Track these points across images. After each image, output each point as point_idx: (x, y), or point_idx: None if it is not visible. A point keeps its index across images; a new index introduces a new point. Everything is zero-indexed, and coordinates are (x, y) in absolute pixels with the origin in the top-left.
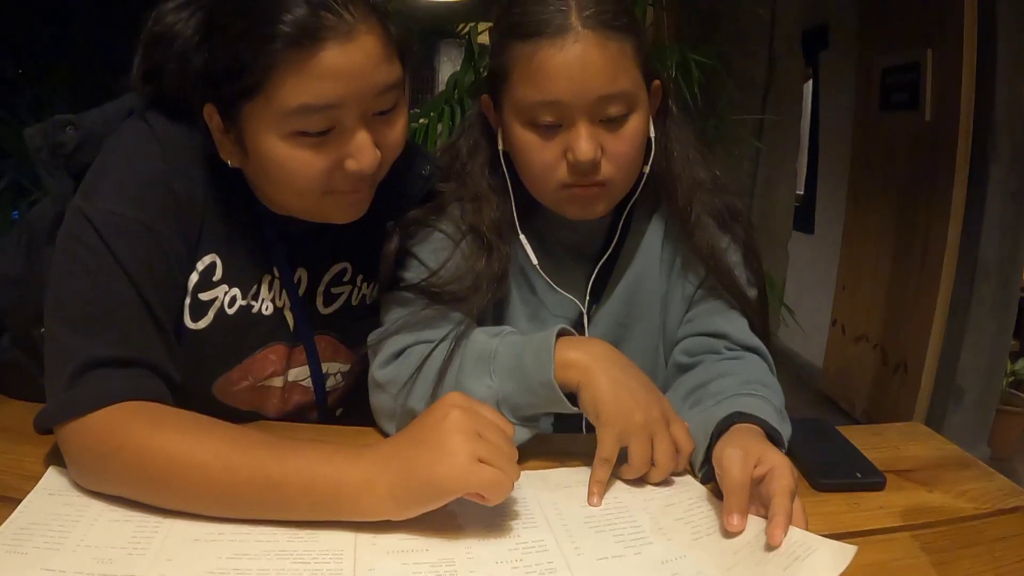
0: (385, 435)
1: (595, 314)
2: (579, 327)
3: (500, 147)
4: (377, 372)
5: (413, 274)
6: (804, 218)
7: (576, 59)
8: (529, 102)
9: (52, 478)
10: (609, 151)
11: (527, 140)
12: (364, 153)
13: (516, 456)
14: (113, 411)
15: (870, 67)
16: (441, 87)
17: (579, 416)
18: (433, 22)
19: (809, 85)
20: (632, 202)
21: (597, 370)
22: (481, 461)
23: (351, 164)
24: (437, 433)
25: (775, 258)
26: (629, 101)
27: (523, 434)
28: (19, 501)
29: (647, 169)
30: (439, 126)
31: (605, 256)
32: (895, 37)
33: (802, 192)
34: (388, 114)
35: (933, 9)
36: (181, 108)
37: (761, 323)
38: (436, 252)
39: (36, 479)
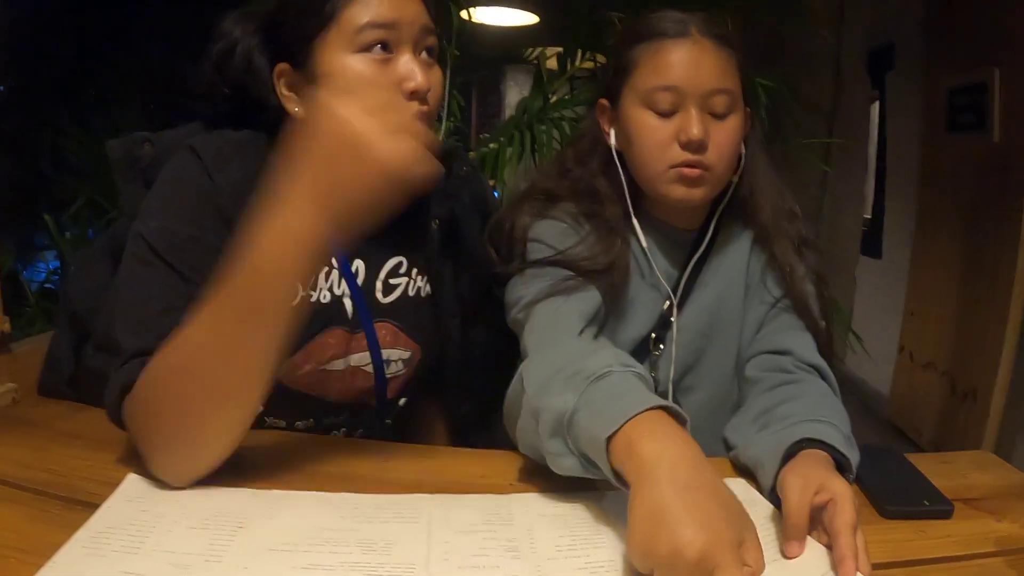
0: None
1: (680, 321)
2: (664, 327)
3: (613, 145)
4: (529, 340)
5: (538, 256)
6: (872, 242)
7: (693, 55)
8: (651, 86)
9: (131, 484)
10: (714, 139)
11: (646, 122)
12: (416, 72)
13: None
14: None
15: (936, 88)
16: (507, 111)
17: None
18: (500, 47)
19: (876, 106)
20: (720, 210)
21: (655, 474)
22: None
23: (409, 84)
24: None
25: (842, 284)
26: (732, 101)
27: (561, 463)
28: (98, 506)
29: (736, 178)
30: (508, 150)
31: (696, 256)
32: (961, 57)
33: (869, 216)
34: (431, 60)
35: (999, 28)
36: (240, 115)
37: (826, 348)
38: (562, 236)
39: (114, 485)
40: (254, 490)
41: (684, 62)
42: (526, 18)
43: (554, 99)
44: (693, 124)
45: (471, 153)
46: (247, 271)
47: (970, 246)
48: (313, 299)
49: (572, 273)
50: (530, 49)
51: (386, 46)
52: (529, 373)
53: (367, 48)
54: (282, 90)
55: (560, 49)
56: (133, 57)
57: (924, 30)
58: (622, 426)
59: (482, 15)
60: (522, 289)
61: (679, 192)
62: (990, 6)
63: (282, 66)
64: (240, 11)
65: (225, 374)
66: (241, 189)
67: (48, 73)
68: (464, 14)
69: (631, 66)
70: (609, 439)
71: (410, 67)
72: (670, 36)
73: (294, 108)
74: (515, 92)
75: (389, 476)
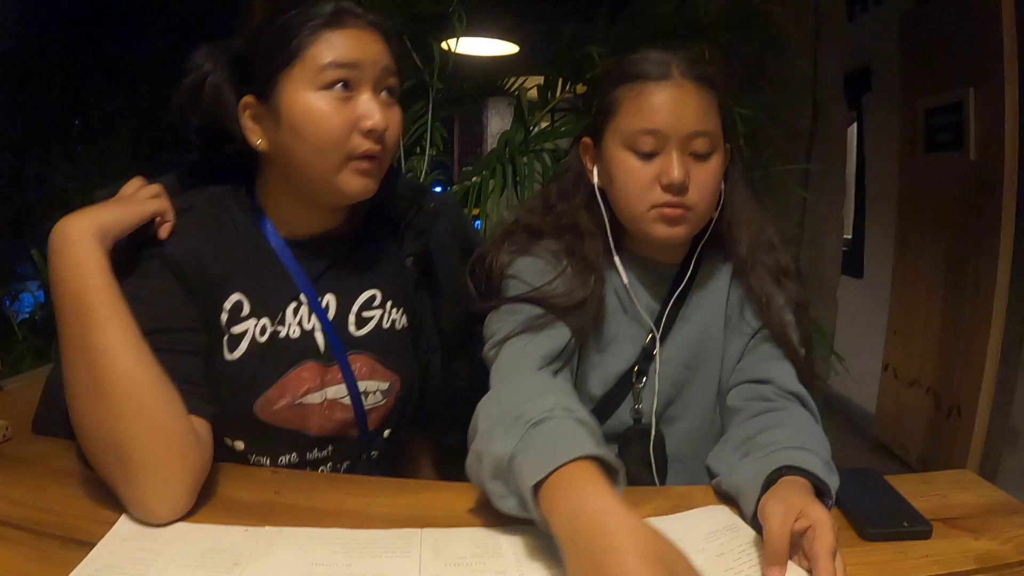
0: None
1: (662, 354)
2: (646, 360)
3: (596, 183)
4: (494, 378)
5: (519, 292)
6: (853, 262)
7: (675, 98)
8: (633, 129)
9: (126, 524)
10: (695, 179)
11: (628, 164)
12: (376, 112)
13: None
14: None
15: (913, 108)
16: (490, 140)
17: (647, 441)
18: (482, 78)
19: (854, 128)
20: (701, 246)
21: (574, 538)
22: None
23: (366, 123)
24: None
25: (824, 306)
26: (713, 142)
27: (501, 503)
28: (93, 545)
29: (717, 214)
30: (491, 182)
31: (677, 292)
32: (937, 77)
33: (850, 236)
34: (392, 100)
35: (974, 48)
36: (211, 161)
37: (806, 376)
38: (539, 273)
39: (111, 524)
40: (247, 527)
41: (666, 105)
42: (507, 48)
43: (535, 131)
44: (674, 167)
45: (454, 186)
46: (52, 293)
47: (951, 263)
48: (282, 335)
49: (544, 311)
50: (511, 79)
51: (347, 84)
52: (480, 413)
53: (328, 86)
54: (246, 122)
55: (541, 78)
56: (123, 93)
57: (900, 52)
58: (549, 475)
59: (463, 46)
60: (495, 325)
61: (661, 231)
62: (964, 27)
63: (248, 99)
64: (212, 45)
65: (82, 376)
66: (198, 254)
67: (38, 106)
68: (445, 45)
69: (614, 107)
70: (536, 487)
71: (369, 106)
72: (652, 78)
73: (256, 140)
74: (497, 121)
75: (380, 511)
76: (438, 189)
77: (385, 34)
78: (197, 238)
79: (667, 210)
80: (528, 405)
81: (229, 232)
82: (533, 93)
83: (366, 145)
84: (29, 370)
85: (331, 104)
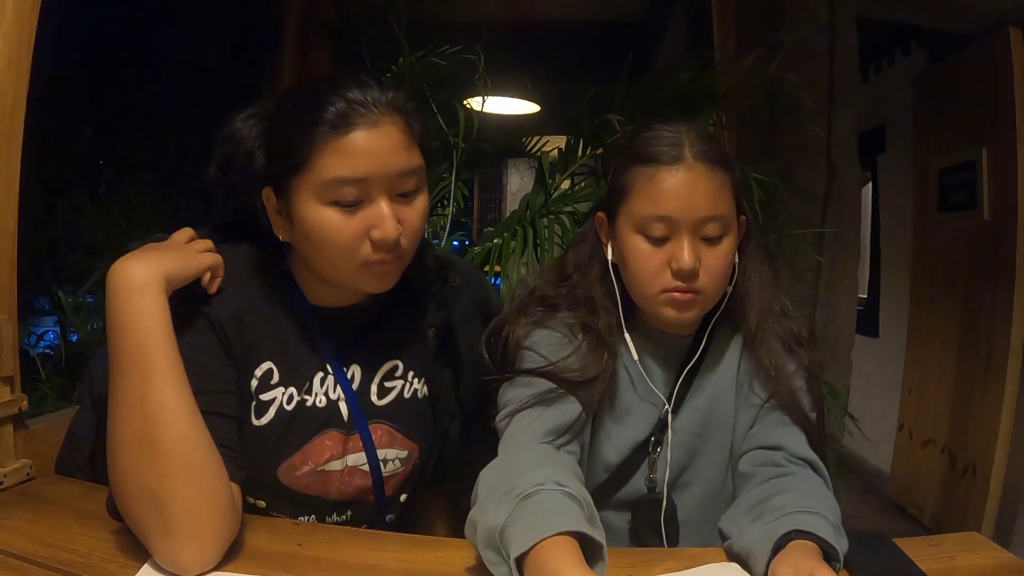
0: None
1: (675, 423)
2: (661, 430)
3: (609, 258)
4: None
5: (533, 365)
6: (868, 321)
7: (686, 183)
8: (644, 215)
9: (150, 572)
10: (705, 264)
11: (638, 247)
12: (387, 222)
13: None
14: None
15: (927, 168)
16: (508, 197)
17: (658, 508)
18: (503, 138)
19: (868, 187)
20: (714, 320)
21: None
22: None
23: (376, 232)
24: None
25: (838, 367)
26: (725, 224)
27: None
28: None
29: (730, 289)
30: (512, 243)
31: (689, 366)
32: (950, 137)
33: (865, 295)
34: (410, 196)
35: (986, 108)
36: (243, 220)
37: (818, 442)
38: (555, 347)
39: (135, 567)
40: None
41: (677, 191)
42: (527, 107)
43: (555, 194)
44: (684, 253)
45: (476, 248)
46: (108, 337)
47: (965, 322)
48: (309, 403)
49: (556, 385)
50: (531, 139)
51: (356, 199)
52: (480, 482)
53: (336, 202)
54: (269, 211)
55: (561, 138)
56: (149, 144)
57: (913, 112)
58: (532, 547)
59: (484, 105)
60: (509, 395)
61: (670, 315)
62: (977, 88)
63: (267, 190)
64: (248, 114)
65: (133, 429)
66: (239, 319)
67: (70, 153)
68: (467, 104)
69: (626, 190)
70: (521, 559)
71: (381, 215)
72: (664, 162)
73: (278, 231)
74: (516, 179)
75: (398, 567)
76: (455, 244)
77: (404, 116)
78: (238, 302)
79: (677, 295)
80: (522, 478)
81: (264, 299)
82: (554, 153)
83: (379, 255)
84: (52, 410)
85: (339, 217)
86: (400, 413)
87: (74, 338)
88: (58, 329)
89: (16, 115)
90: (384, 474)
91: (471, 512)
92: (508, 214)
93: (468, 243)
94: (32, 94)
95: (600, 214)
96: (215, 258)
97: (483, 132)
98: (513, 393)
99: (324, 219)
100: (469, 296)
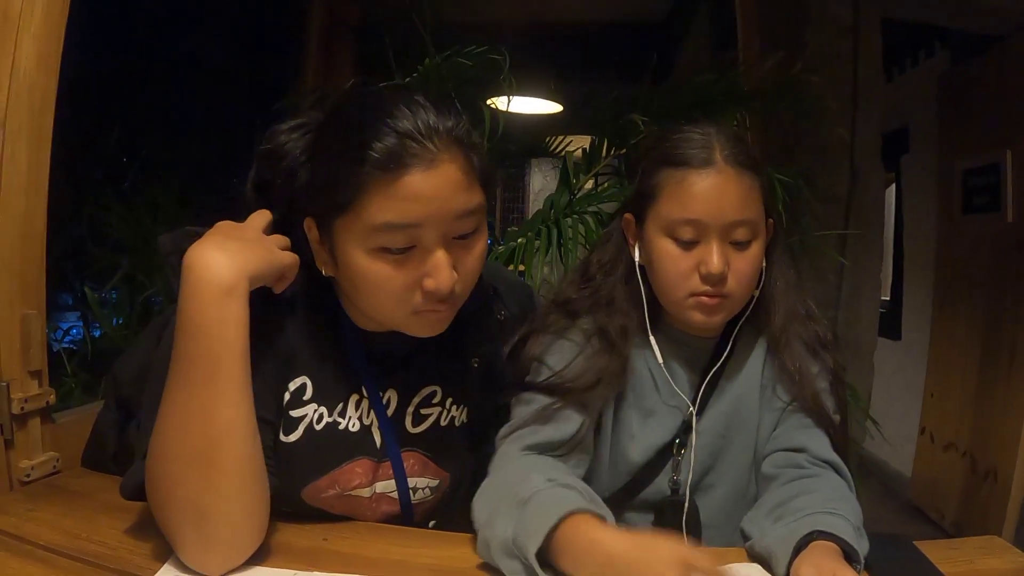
0: None
1: (699, 425)
2: (686, 432)
3: (636, 260)
4: (490, 468)
5: (540, 377)
6: (891, 324)
7: (716, 187)
8: (674, 218)
9: (174, 566)
10: (734, 268)
11: (667, 250)
12: (441, 272)
13: None
14: None
15: (951, 170)
16: (531, 196)
17: (679, 512)
18: (527, 137)
19: (892, 188)
20: (740, 323)
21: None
22: None
23: (429, 283)
24: None
25: (860, 370)
26: (754, 229)
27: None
28: None
29: (757, 292)
30: (536, 243)
31: (714, 369)
32: (974, 139)
33: (888, 298)
34: (467, 238)
35: (1011, 110)
36: (286, 228)
37: (841, 444)
38: (563, 355)
39: (162, 559)
40: (296, 571)
41: (707, 195)
42: (551, 107)
43: (579, 194)
44: (714, 258)
45: (500, 247)
46: (177, 336)
47: (988, 326)
48: (341, 427)
49: (557, 399)
50: (555, 139)
51: (407, 246)
52: (476, 506)
53: (385, 250)
54: (312, 244)
55: (585, 138)
56: (175, 138)
57: (938, 113)
58: (550, 536)
59: (509, 106)
60: (514, 412)
61: (698, 319)
62: (1001, 89)
63: (309, 222)
64: (294, 125)
65: (193, 444)
66: (283, 326)
67: (97, 152)
68: (492, 103)
69: (655, 192)
70: (540, 553)
71: (434, 263)
72: (694, 165)
73: (320, 265)
74: (539, 178)
75: (423, 562)
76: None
77: (464, 149)
78: (286, 309)
79: (705, 299)
80: (517, 488)
81: (306, 311)
82: (578, 154)
83: (430, 304)
84: (78, 405)
85: (389, 266)
86: (434, 441)
87: (97, 333)
88: (82, 324)
89: (46, 116)
90: (413, 501)
91: (480, 533)
92: (531, 213)
93: (491, 242)
94: (60, 92)
95: (628, 215)
96: (294, 258)
97: (507, 132)
98: (517, 410)
99: (371, 268)
100: (511, 329)
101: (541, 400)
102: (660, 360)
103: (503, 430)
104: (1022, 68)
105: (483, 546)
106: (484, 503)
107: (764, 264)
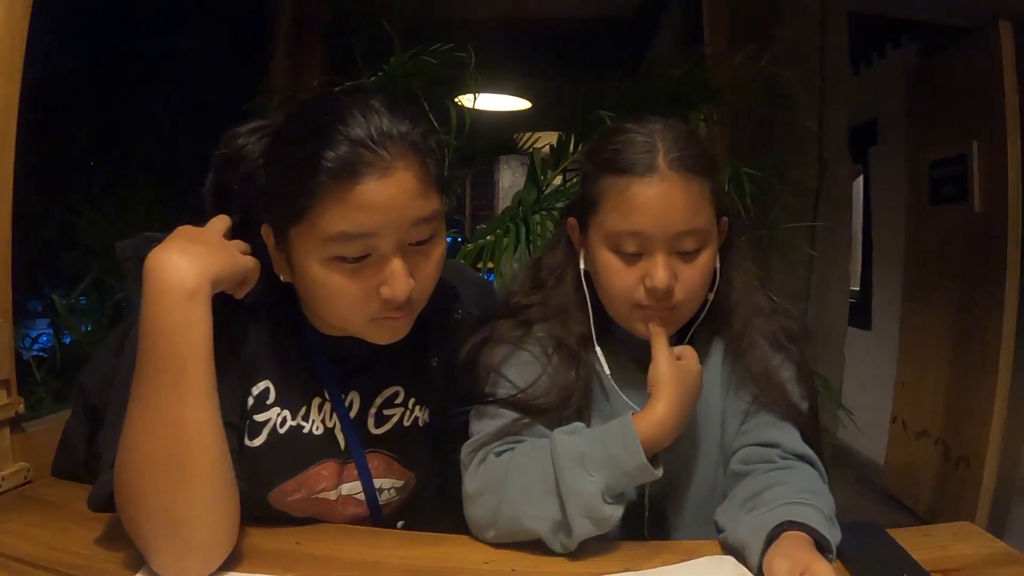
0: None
1: None
2: None
3: (582, 266)
4: (469, 485)
5: (503, 391)
6: (861, 314)
7: (660, 197)
8: (616, 230)
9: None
10: (682, 279)
11: (610, 263)
12: (398, 281)
13: None
14: None
15: (918, 161)
16: (500, 193)
17: (641, 517)
18: (495, 135)
19: (860, 180)
20: (695, 326)
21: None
22: None
23: (385, 291)
24: None
25: (831, 360)
26: (703, 237)
27: (618, 511)
28: None
29: (711, 296)
30: (505, 240)
31: None
32: (941, 130)
33: (858, 288)
34: (424, 244)
35: (977, 101)
36: (245, 233)
37: (812, 435)
38: (524, 371)
39: (136, 568)
40: None
41: (651, 205)
42: (519, 104)
43: (548, 190)
44: (659, 271)
45: (469, 245)
46: (141, 342)
47: (957, 314)
48: (305, 430)
49: (523, 415)
50: (523, 135)
51: (362, 255)
52: (477, 510)
53: (340, 259)
54: (270, 250)
55: (553, 135)
56: (144, 138)
57: (905, 105)
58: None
59: (477, 103)
60: (477, 425)
61: (644, 331)
62: (967, 81)
63: (266, 228)
64: (253, 127)
65: (162, 448)
66: (246, 331)
67: (65, 157)
68: (459, 101)
69: (597, 200)
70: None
71: (390, 271)
72: (636, 173)
73: (278, 271)
74: (508, 175)
75: (397, 563)
76: (447, 241)
77: (419, 155)
78: (247, 314)
79: (651, 311)
80: (544, 465)
81: (268, 315)
82: (545, 150)
83: (388, 312)
84: (48, 413)
85: (344, 276)
86: (397, 442)
87: (67, 340)
88: (52, 332)
89: (8, 119)
90: (380, 502)
91: (526, 527)
92: (500, 211)
93: (461, 240)
94: (25, 96)
95: (572, 220)
96: (255, 263)
97: (475, 129)
98: (480, 424)
99: (327, 277)
100: (471, 328)
101: (507, 414)
102: (607, 372)
103: (469, 445)
104: (989, 61)
105: (548, 529)
106: (487, 505)
107: (718, 265)
